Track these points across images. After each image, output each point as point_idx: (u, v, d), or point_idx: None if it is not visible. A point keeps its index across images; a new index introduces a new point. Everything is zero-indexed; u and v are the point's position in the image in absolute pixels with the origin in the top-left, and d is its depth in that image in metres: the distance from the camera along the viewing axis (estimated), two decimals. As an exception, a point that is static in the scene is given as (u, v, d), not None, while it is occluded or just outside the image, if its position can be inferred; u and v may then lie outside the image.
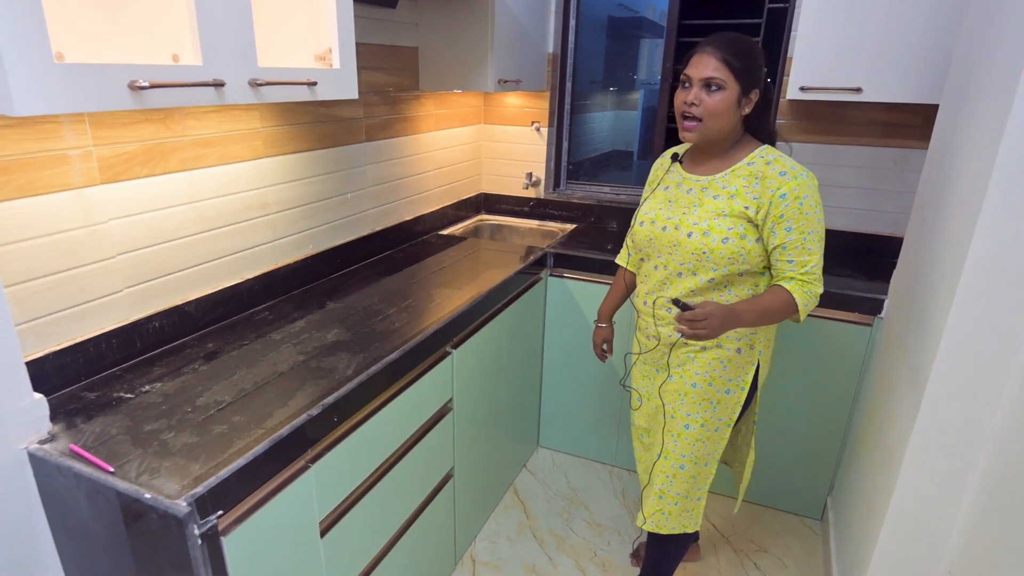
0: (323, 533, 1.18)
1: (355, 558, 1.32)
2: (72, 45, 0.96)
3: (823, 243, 1.33)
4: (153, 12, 1.02)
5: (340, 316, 1.58)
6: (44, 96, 0.79)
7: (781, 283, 1.35)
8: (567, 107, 2.77)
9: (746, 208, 1.31)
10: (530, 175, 2.74)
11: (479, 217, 2.82)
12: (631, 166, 4.15)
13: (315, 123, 1.75)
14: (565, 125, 2.79)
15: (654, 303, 1.48)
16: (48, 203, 1.12)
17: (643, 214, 1.47)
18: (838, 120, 2.18)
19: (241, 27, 1.07)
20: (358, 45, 1.83)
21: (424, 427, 1.52)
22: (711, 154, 1.40)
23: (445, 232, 2.52)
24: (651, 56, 4.04)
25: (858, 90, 1.86)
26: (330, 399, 1.15)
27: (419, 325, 1.51)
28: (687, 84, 1.31)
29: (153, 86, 0.91)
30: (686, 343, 1.43)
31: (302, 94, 1.24)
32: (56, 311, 1.17)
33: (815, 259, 1.32)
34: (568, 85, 2.75)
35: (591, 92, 3.38)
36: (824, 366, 1.94)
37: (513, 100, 2.71)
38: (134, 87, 0.89)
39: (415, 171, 2.29)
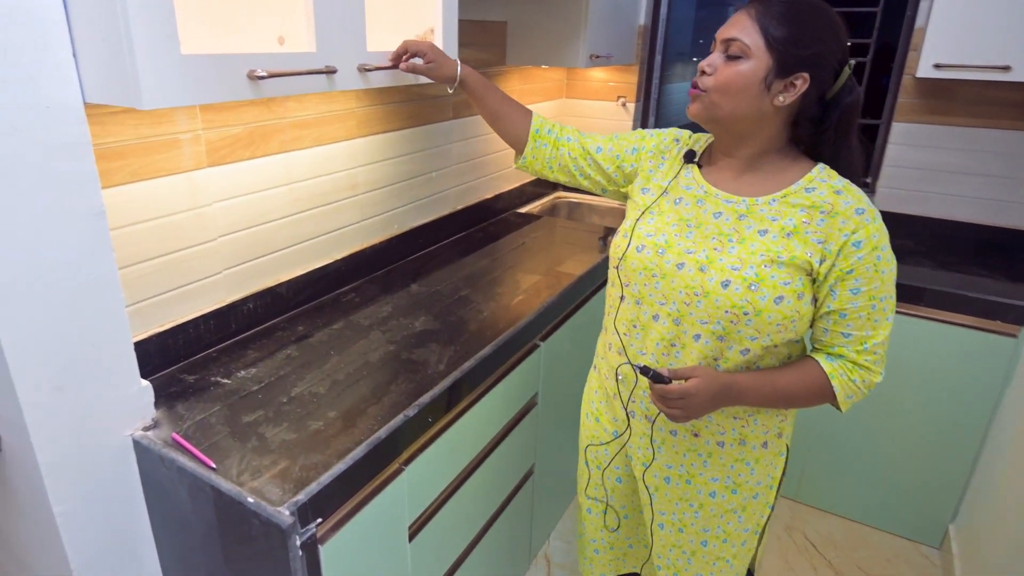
0: (411, 537, 1.18)
1: (439, 562, 1.32)
2: (182, 29, 0.94)
3: (894, 313, 0.98)
4: (266, -7, 1.00)
5: (426, 302, 1.56)
6: (170, 89, 0.78)
7: (818, 358, 0.99)
8: (655, 81, 2.64)
9: (809, 256, 0.93)
10: (614, 155, 2.64)
11: (556, 194, 2.76)
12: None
13: (406, 101, 1.71)
14: (653, 100, 2.66)
15: (616, 372, 1.12)
16: (158, 187, 1.12)
17: (643, 233, 1.04)
18: (970, 100, 1.98)
19: (354, 10, 1.03)
20: (451, 18, 1.78)
21: (510, 423, 1.50)
22: (737, 160, 1.01)
23: (523, 210, 2.47)
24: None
25: (1006, 68, 1.66)
26: (425, 398, 1.14)
27: (507, 315, 1.48)
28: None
29: (271, 75, 0.88)
30: (696, 434, 1.07)
31: (407, 77, 1.20)
32: (161, 293, 1.19)
33: (881, 335, 0.95)
34: (658, 59, 2.62)
35: (674, 64, 3.23)
36: (955, 380, 1.77)
37: (598, 74, 2.60)
38: (252, 77, 0.87)
39: (496, 148, 2.24)
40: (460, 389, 1.25)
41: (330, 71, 0.99)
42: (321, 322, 1.44)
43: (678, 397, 0.94)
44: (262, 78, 0.87)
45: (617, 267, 1.08)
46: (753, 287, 0.93)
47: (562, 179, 1.26)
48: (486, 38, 2.03)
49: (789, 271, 0.93)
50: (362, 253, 1.68)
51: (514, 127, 1.24)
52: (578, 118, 2.68)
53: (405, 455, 1.12)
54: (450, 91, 1.25)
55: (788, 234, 0.94)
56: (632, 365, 1.04)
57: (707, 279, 0.96)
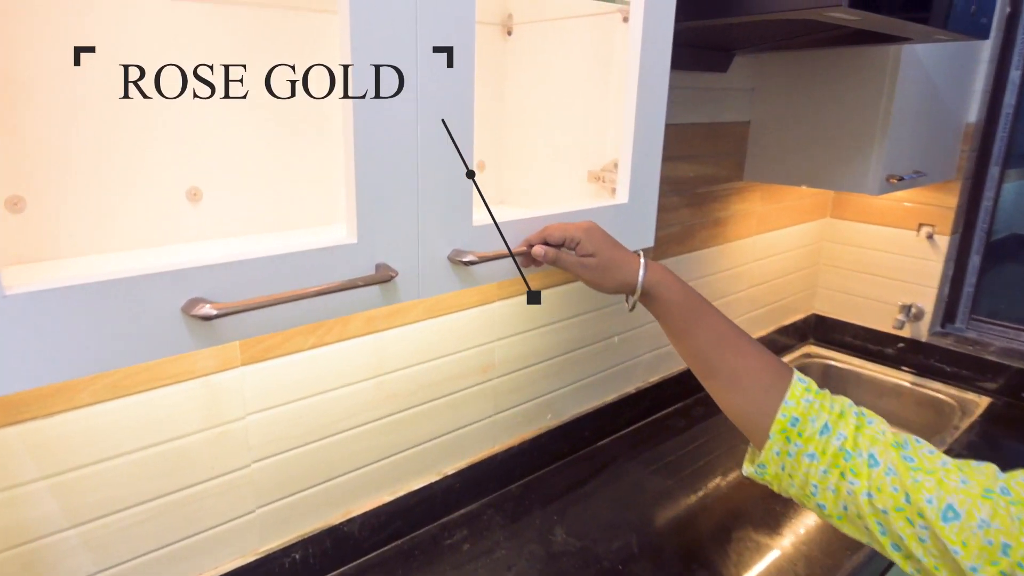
0: None
1: None
2: (214, 180, 0.61)
3: None
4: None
5: None
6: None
7: None
8: (986, 204, 1.89)
9: None
10: (908, 307, 1.91)
11: (805, 348, 2.09)
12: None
13: (581, 245, 1.28)
14: (979, 232, 1.90)
15: None
16: (155, 401, 0.81)
17: None
18: None
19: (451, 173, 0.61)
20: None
21: None
22: None
23: (750, 377, 1.86)
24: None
25: None
26: None
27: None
28: None
29: (232, 312, 0.49)
30: None
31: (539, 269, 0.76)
32: (150, 551, 0.86)
33: None
34: (993, 171, 1.88)
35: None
36: None
37: (891, 189, 1.94)
38: (197, 316, 0.48)
39: (720, 292, 1.70)
40: None
41: (385, 278, 0.57)
42: (397, 591, 1.01)
43: None
44: (212, 317, 0.48)
45: None
46: None
47: (853, 534, 0.64)
48: (715, 145, 1.53)
49: None
50: (490, 461, 1.24)
51: (740, 400, 0.66)
52: (849, 247, 2.00)
53: None
54: (628, 308, 0.75)
55: None
56: None
57: None
